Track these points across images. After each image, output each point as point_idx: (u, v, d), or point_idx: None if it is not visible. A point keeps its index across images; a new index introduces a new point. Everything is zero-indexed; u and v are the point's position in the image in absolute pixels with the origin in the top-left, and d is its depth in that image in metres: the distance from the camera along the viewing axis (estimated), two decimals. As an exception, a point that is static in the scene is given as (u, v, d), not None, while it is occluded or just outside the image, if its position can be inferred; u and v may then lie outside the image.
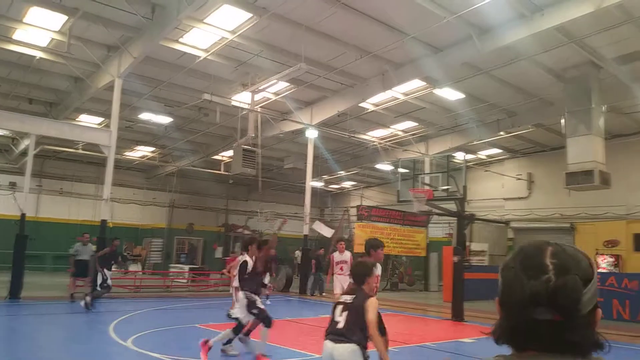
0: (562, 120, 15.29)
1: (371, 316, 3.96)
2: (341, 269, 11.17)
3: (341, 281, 10.96)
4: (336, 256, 11.49)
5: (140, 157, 25.80)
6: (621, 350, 8.66)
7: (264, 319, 7.31)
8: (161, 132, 21.23)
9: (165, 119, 19.37)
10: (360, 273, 4.31)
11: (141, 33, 12.70)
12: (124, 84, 14.36)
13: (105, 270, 12.45)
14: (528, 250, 1.10)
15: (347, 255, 11.54)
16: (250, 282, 7.39)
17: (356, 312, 3.97)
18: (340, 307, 4.09)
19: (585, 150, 14.28)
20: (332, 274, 11.25)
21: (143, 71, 14.89)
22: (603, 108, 14.77)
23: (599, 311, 1.06)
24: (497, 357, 1.06)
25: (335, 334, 3.97)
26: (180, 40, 13.07)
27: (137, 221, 27.84)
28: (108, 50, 14.01)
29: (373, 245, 5.65)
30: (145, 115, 19.05)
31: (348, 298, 4.15)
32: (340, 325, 3.97)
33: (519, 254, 1.10)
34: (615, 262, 19.50)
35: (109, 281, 12.62)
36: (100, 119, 19.66)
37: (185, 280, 20.24)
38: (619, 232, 20.41)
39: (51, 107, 18.72)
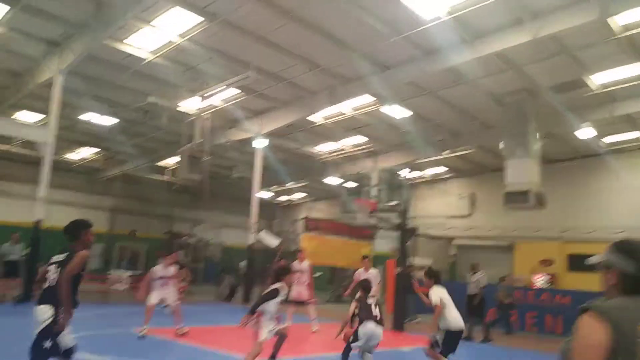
0: (501, 143, 15.91)
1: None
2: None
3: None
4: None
5: (82, 159, 24.89)
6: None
7: None
8: (104, 134, 20.59)
9: (108, 120, 18.80)
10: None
11: (84, 30, 12.31)
12: (64, 82, 13.84)
13: None
14: (632, 241, 2.00)
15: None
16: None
17: None
18: None
19: (522, 172, 14.84)
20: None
21: (85, 70, 14.39)
22: (538, 134, 15.48)
23: None
24: (614, 300, 1.91)
25: None
26: (126, 40, 12.73)
27: (77, 225, 26.72)
28: (48, 46, 13.43)
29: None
30: (87, 116, 18.44)
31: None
32: None
33: (628, 244, 1.98)
34: (551, 280, 20.39)
35: None
36: (40, 116, 18.83)
37: (124, 287, 19.62)
38: (553, 252, 21.35)
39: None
